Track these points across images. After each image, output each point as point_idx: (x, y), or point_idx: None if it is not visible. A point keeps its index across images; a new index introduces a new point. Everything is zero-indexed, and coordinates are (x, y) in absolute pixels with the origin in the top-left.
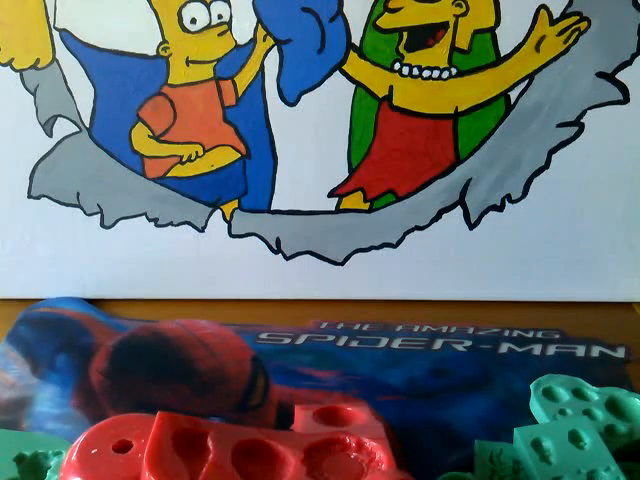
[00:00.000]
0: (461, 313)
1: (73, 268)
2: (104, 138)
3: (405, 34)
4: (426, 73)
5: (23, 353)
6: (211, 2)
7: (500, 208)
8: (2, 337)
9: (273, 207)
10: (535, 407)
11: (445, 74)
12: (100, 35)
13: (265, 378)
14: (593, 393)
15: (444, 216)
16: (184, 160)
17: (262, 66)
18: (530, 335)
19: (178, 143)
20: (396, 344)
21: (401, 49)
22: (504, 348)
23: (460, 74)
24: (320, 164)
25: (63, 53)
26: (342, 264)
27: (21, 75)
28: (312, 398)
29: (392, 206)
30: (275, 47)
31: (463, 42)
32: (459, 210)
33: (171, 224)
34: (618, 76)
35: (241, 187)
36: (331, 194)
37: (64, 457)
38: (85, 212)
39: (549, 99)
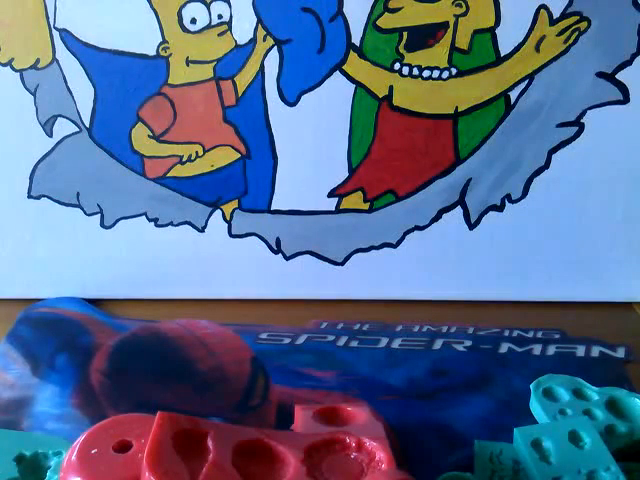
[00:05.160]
0: (461, 313)
1: (73, 268)
2: (104, 138)
3: (405, 34)
4: (426, 73)
5: (23, 353)
6: (211, 2)
7: (500, 208)
8: (2, 337)
9: (273, 207)
10: (535, 407)
11: (445, 74)
12: (100, 35)
13: (265, 378)
14: (593, 393)
15: (444, 216)
16: (184, 160)
17: (262, 66)
18: (530, 335)
19: (178, 143)
20: (396, 344)
21: (401, 49)
22: (504, 348)
23: (460, 74)
24: (320, 164)
25: (63, 53)
26: (342, 264)
27: (21, 75)
28: (312, 398)
29: (392, 206)
30: (275, 47)
31: (463, 42)
32: (459, 210)
33: (171, 224)
34: (618, 76)
35: (241, 187)
36: (331, 194)
37: (64, 457)
38: (85, 212)
39: (549, 99)
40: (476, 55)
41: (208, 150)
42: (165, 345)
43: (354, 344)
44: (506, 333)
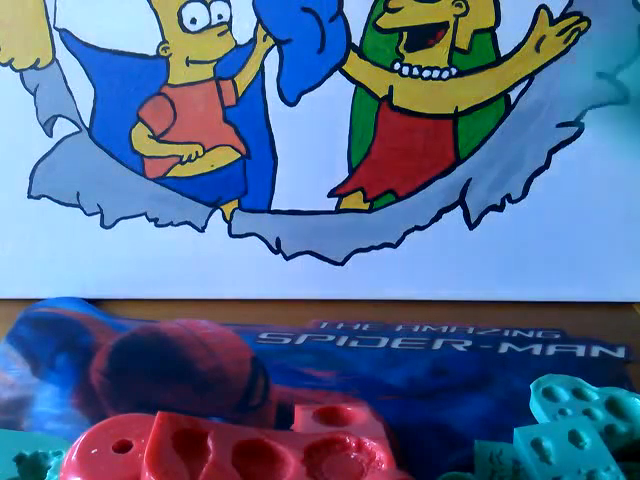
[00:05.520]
0: (461, 313)
1: (73, 268)
2: (104, 138)
3: (405, 34)
4: (426, 73)
5: (23, 353)
6: (211, 2)
7: (500, 208)
8: (2, 337)
9: (273, 207)
10: (535, 407)
11: (445, 74)
12: (100, 35)
13: (265, 378)
14: (593, 393)
15: (444, 216)
16: (184, 160)
17: (262, 66)
18: (530, 335)
19: (178, 143)
20: (396, 344)
21: (401, 49)
22: (504, 348)
23: (460, 74)
24: (320, 164)
25: (63, 53)
26: (342, 264)
27: (21, 75)
28: (312, 398)
29: (392, 206)
30: (275, 47)
31: (463, 42)
32: (459, 210)
33: (171, 224)
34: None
35: (241, 187)
36: (331, 194)
37: (64, 457)
38: (85, 212)
39: (549, 99)
40: (476, 55)
41: (208, 150)
42: (165, 345)
43: (354, 344)
44: (506, 333)
